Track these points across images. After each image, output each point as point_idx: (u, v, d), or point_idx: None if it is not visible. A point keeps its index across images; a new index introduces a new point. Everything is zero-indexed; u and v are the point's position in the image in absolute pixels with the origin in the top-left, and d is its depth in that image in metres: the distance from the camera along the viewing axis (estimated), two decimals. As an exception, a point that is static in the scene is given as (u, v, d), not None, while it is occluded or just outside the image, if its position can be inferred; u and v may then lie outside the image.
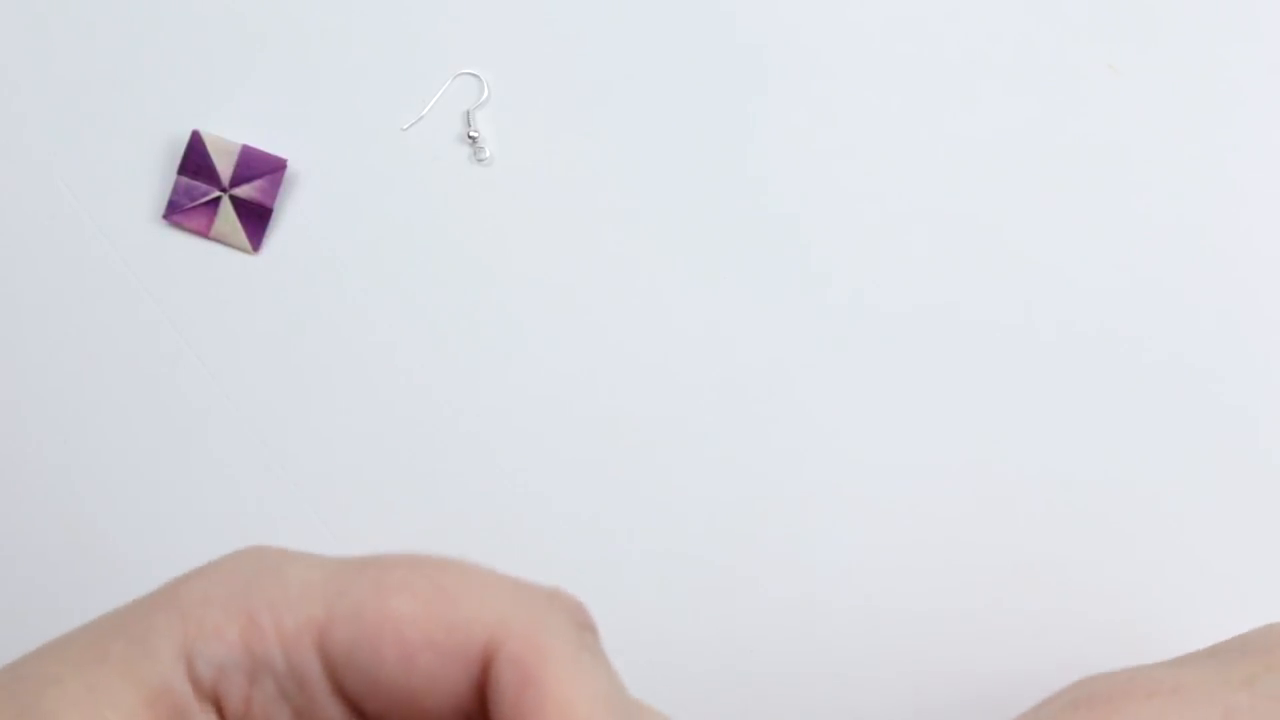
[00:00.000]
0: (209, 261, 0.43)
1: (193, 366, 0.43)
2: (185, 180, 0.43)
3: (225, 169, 0.43)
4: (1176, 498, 0.41)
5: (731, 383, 0.42)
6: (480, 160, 0.43)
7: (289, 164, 0.43)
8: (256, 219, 0.43)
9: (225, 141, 0.43)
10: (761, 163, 0.43)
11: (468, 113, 0.43)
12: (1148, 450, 0.41)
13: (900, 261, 0.42)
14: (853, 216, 0.42)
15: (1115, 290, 0.42)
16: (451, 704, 0.21)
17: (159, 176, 0.43)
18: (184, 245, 0.43)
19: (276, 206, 0.43)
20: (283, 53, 0.43)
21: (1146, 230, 0.42)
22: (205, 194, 0.43)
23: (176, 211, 0.43)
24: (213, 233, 0.43)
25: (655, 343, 0.42)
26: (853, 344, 0.42)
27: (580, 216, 0.43)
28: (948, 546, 0.41)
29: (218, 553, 0.25)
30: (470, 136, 0.43)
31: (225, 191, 0.43)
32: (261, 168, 0.43)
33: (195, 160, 0.43)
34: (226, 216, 0.43)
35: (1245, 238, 0.42)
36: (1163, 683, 0.27)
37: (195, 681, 0.22)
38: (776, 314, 0.42)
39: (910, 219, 0.42)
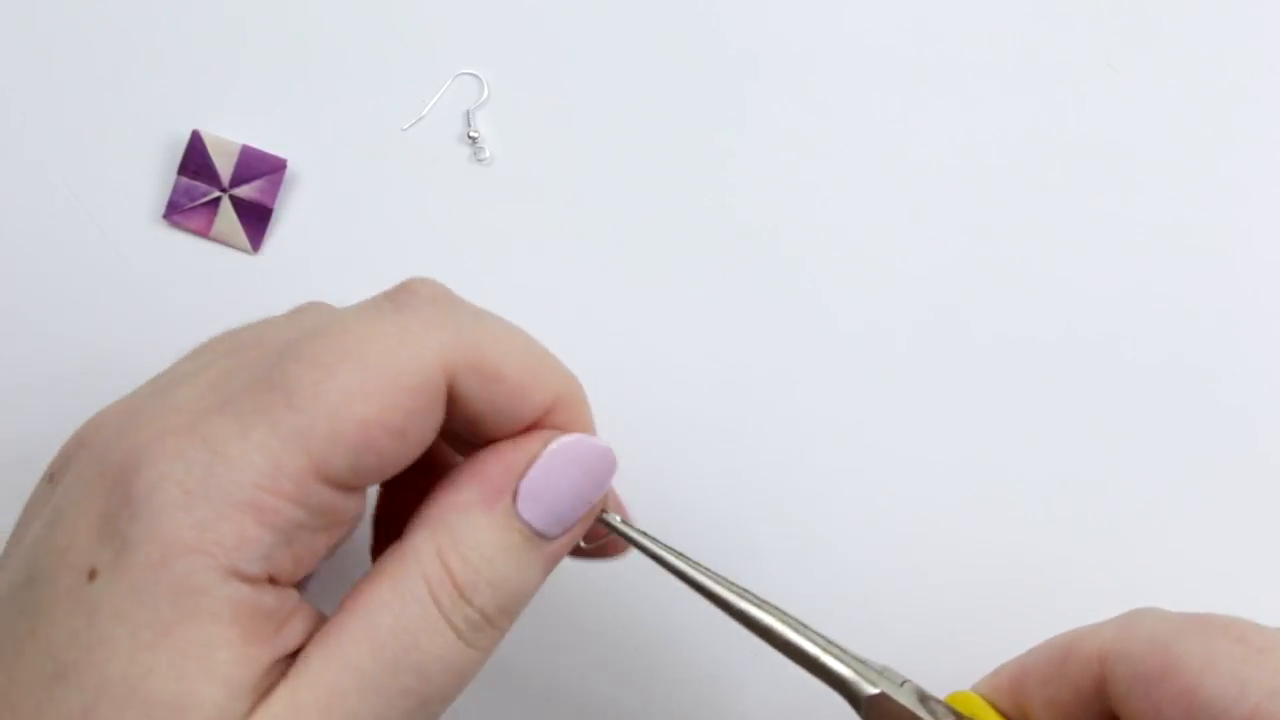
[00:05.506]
0: (209, 261, 0.43)
1: (193, 366, 0.43)
2: (185, 180, 0.43)
3: (225, 169, 0.43)
4: (1176, 498, 0.41)
5: (732, 382, 0.42)
6: (480, 160, 0.43)
7: (289, 164, 0.43)
8: (256, 219, 0.43)
9: (225, 141, 0.43)
10: (761, 163, 0.43)
11: (468, 113, 0.43)
12: (1147, 451, 0.41)
13: (900, 262, 0.42)
14: (851, 217, 0.42)
15: (1115, 290, 0.42)
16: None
17: (159, 176, 0.43)
18: (184, 245, 0.43)
19: (276, 206, 0.43)
20: (283, 53, 0.43)
21: (1146, 230, 0.42)
22: (205, 194, 0.43)
23: (176, 211, 0.43)
24: (213, 233, 0.43)
25: (655, 342, 0.42)
26: (851, 344, 0.42)
27: (580, 216, 0.43)
28: (949, 547, 0.41)
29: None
30: (470, 136, 0.43)
31: (225, 191, 0.43)
32: (261, 168, 0.43)
33: (195, 160, 0.43)
34: (226, 216, 0.43)
35: (1245, 238, 0.42)
36: None
37: (253, 583, 0.24)
38: (777, 313, 0.42)
39: (909, 219, 0.42)
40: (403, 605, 0.25)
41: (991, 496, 0.41)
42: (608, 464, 0.28)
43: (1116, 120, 0.42)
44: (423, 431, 0.25)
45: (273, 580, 0.24)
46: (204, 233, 0.43)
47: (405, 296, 0.27)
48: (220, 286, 0.43)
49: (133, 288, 0.43)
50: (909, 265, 0.42)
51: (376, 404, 0.24)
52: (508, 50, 0.43)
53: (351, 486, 0.25)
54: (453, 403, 0.26)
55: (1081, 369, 0.42)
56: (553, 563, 0.27)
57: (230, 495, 0.23)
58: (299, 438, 0.24)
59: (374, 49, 0.43)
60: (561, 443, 0.27)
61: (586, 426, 0.28)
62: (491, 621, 0.26)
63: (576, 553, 0.30)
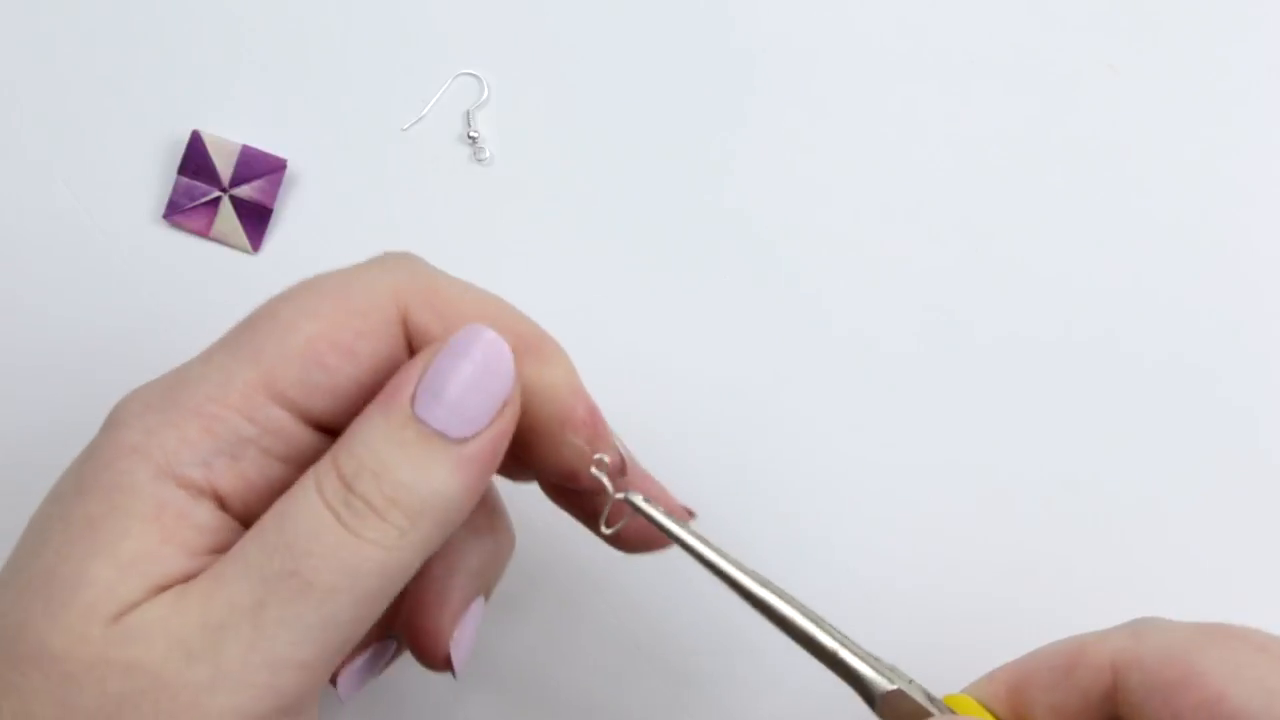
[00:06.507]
0: (209, 261, 0.43)
1: (193, 366, 0.43)
2: (185, 180, 0.43)
3: (225, 169, 0.43)
4: (1177, 498, 0.41)
5: (731, 383, 0.42)
6: (480, 160, 0.43)
7: (289, 164, 0.43)
8: (256, 219, 0.43)
9: (225, 141, 0.43)
10: (760, 163, 0.43)
11: (468, 113, 0.43)
12: (1148, 451, 0.41)
13: (899, 262, 0.42)
14: (851, 217, 0.42)
15: (1115, 290, 0.42)
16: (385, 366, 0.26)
17: (159, 176, 0.43)
18: (184, 245, 0.43)
19: (276, 206, 0.43)
20: (283, 53, 0.43)
21: (1146, 231, 0.42)
22: (205, 194, 0.43)
23: (176, 211, 0.43)
24: (213, 233, 0.43)
25: (654, 342, 0.42)
26: (850, 344, 0.42)
27: (580, 217, 0.43)
28: (949, 547, 0.41)
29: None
30: (470, 136, 0.43)
31: (225, 191, 0.43)
32: (261, 168, 0.43)
33: (195, 160, 0.43)
34: (226, 216, 0.43)
35: (1245, 238, 0.42)
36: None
37: (188, 486, 0.25)
38: (776, 313, 0.42)
39: (909, 220, 0.42)
40: (288, 496, 0.25)
41: (991, 496, 0.41)
42: (499, 352, 0.26)
43: (1117, 120, 0.42)
44: (375, 353, 0.26)
45: (219, 498, 0.25)
46: (204, 233, 0.43)
47: (374, 258, 0.29)
48: (220, 286, 0.43)
49: (133, 288, 0.43)
50: (908, 266, 0.42)
51: (325, 322, 0.26)
52: (508, 50, 0.43)
53: (304, 409, 0.26)
54: (415, 342, 0.27)
55: (1081, 369, 0.42)
56: (472, 469, 0.26)
57: (181, 405, 0.25)
58: (251, 354, 0.26)
59: (374, 49, 0.43)
60: (451, 338, 0.26)
61: (568, 375, 0.28)
62: (380, 512, 0.25)
63: (608, 539, 0.29)
